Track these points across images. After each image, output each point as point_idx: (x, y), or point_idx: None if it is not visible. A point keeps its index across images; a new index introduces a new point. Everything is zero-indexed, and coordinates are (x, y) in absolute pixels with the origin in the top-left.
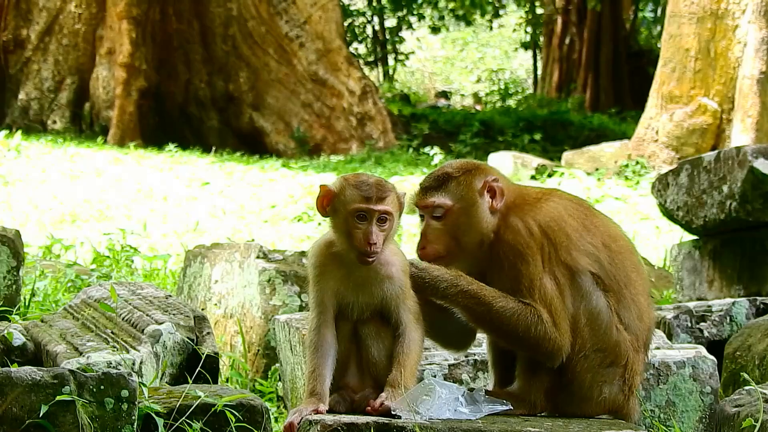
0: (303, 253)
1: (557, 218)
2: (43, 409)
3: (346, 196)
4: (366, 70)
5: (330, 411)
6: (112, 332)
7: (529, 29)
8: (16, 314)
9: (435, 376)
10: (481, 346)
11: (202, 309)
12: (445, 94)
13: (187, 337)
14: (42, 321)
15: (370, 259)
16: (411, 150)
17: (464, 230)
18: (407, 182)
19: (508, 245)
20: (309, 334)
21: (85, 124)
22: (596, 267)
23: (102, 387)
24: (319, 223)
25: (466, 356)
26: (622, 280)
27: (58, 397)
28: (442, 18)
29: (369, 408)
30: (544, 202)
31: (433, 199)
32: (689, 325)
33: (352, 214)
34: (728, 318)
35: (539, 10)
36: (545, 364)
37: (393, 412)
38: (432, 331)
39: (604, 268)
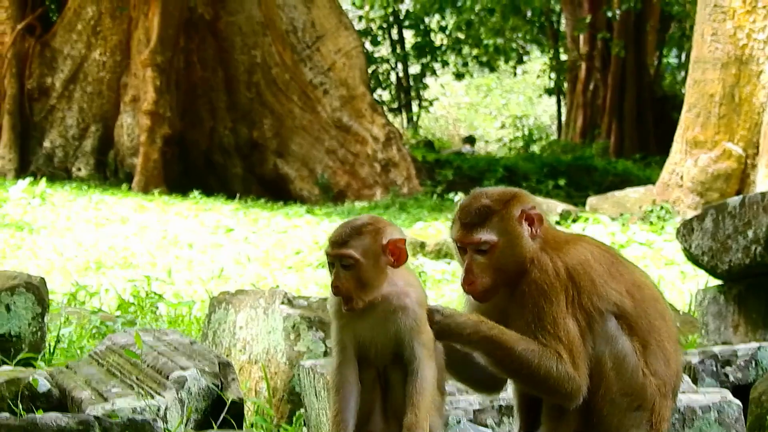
0: (327, 299)
1: (584, 263)
2: None
3: None
4: (390, 116)
5: None
6: (137, 378)
7: (553, 75)
8: (41, 361)
9: (459, 422)
10: (506, 390)
11: (227, 355)
12: (472, 140)
13: (212, 383)
14: (67, 367)
15: (345, 308)
16: (435, 196)
17: (510, 261)
18: (431, 228)
19: (534, 282)
20: (331, 374)
21: (109, 172)
22: (620, 312)
23: None
24: None
25: (491, 401)
26: (645, 326)
27: None
28: (466, 64)
29: None
30: (572, 245)
31: (479, 236)
32: (714, 369)
33: (327, 260)
34: (753, 362)
35: (563, 56)
36: (570, 408)
37: None
38: (463, 374)
39: (627, 314)
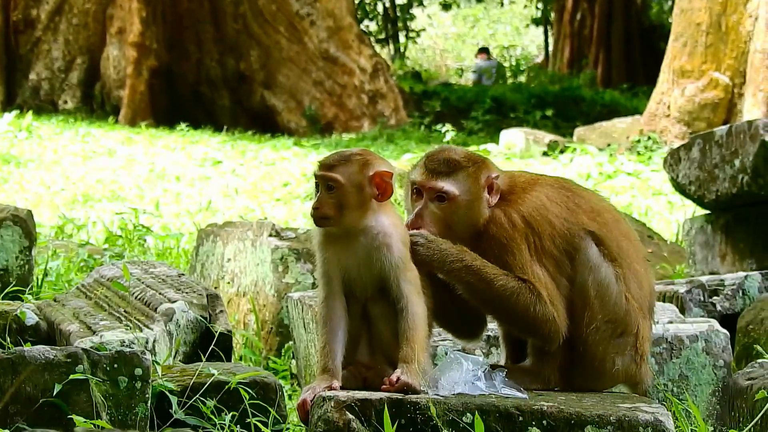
0: (311, 231)
1: (539, 207)
2: (57, 387)
3: None
4: (377, 47)
5: (342, 387)
6: (125, 311)
7: (540, 5)
8: (28, 294)
9: (446, 353)
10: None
11: (215, 287)
12: (486, 51)
13: (200, 316)
14: (55, 300)
15: (318, 224)
16: (423, 127)
17: (462, 221)
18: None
19: (493, 238)
20: (318, 307)
21: (96, 104)
22: (595, 240)
23: (115, 365)
24: None
25: None
26: (614, 249)
27: (71, 376)
28: None
29: (386, 384)
30: (526, 192)
31: (441, 184)
32: (702, 299)
33: (314, 183)
34: (741, 292)
35: None
36: (550, 349)
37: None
38: (443, 319)
39: (598, 240)
